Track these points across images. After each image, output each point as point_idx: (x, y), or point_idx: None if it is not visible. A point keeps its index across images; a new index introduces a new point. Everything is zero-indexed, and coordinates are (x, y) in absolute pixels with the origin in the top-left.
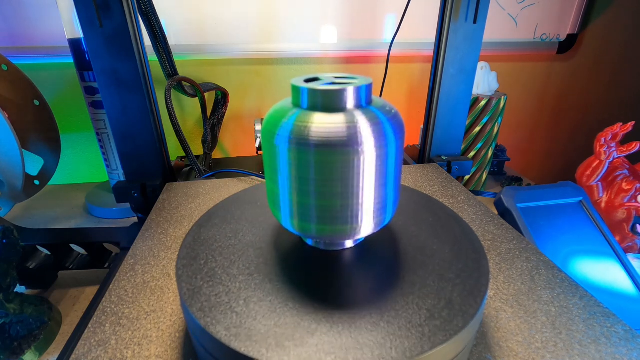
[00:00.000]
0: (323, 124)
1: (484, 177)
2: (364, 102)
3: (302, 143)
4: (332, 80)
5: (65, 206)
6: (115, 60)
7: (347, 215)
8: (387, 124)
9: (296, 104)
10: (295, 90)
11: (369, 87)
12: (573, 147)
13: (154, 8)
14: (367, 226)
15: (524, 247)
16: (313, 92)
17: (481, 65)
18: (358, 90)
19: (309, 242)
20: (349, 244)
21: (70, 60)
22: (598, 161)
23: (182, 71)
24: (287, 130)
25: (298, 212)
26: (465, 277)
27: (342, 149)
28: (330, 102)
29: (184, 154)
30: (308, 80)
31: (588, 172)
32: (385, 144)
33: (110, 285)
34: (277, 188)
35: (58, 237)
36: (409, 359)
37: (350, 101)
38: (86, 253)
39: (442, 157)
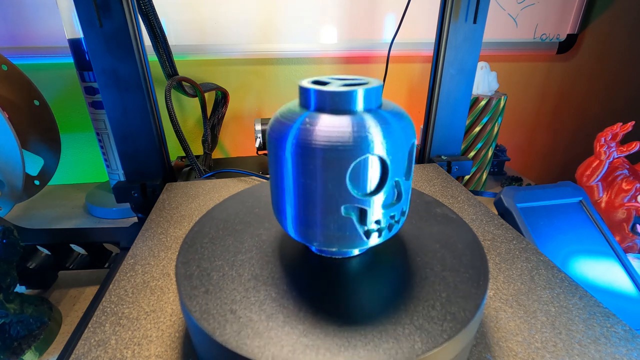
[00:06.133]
0: (331, 126)
1: (484, 177)
2: (374, 104)
3: (308, 146)
4: (340, 82)
5: (65, 206)
6: (115, 60)
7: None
8: (398, 128)
9: (303, 106)
10: (303, 91)
11: (379, 90)
12: (573, 147)
13: (154, 8)
14: (375, 235)
15: (523, 247)
16: (321, 93)
17: (481, 65)
18: (368, 92)
19: (313, 248)
20: (355, 251)
21: (70, 60)
22: (598, 161)
23: (182, 71)
24: (293, 132)
25: (303, 219)
26: (465, 277)
27: (350, 153)
28: (338, 104)
29: (184, 154)
30: (315, 82)
31: (588, 172)
32: (395, 148)
33: (110, 285)
34: (282, 193)
35: (58, 237)
36: (409, 359)
37: (359, 103)
38: (86, 253)
39: (442, 157)
